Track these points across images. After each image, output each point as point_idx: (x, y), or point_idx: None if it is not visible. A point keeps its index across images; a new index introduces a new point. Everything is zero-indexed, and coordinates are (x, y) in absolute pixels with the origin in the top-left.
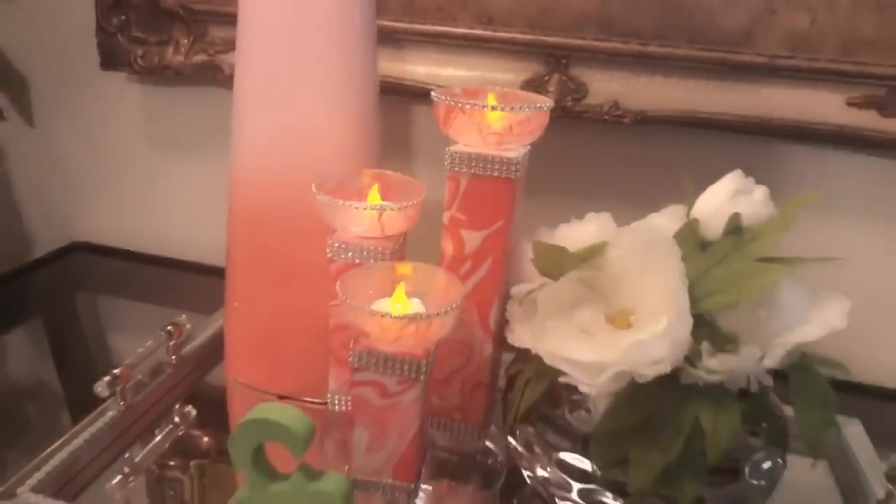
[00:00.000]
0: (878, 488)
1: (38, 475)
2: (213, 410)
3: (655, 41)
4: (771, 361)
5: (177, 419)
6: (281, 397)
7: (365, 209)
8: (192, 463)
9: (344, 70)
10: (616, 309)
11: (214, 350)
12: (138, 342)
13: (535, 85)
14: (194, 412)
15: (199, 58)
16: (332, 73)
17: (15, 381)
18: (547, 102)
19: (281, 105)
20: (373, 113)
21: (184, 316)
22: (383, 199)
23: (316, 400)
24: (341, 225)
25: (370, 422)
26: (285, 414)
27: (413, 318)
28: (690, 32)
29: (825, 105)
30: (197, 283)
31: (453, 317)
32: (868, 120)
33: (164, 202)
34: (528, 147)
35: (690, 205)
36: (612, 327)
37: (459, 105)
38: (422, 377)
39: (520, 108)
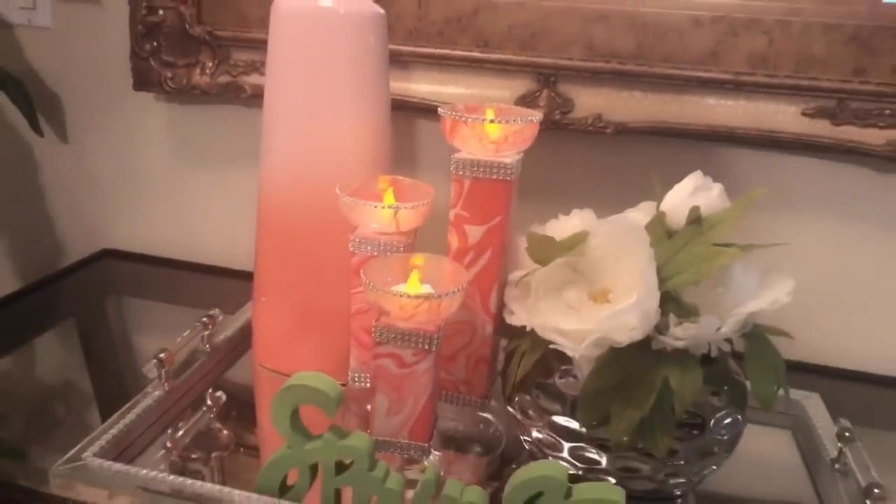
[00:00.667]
0: (832, 449)
1: (99, 443)
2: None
3: (633, 61)
4: (727, 329)
5: (209, 402)
6: None
7: (383, 208)
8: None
9: (360, 89)
10: (597, 288)
11: (242, 340)
12: (163, 340)
13: (527, 100)
14: (224, 397)
15: (223, 79)
16: (351, 92)
17: (49, 378)
18: (536, 115)
19: (305, 121)
20: (385, 126)
21: (217, 309)
22: (397, 200)
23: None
24: (362, 223)
25: (389, 389)
26: (319, 380)
27: (426, 298)
28: (663, 53)
29: (783, 116)
30: (217, 285)
31: (459, 297)
32: (821, 128)
33: (187, 211)
34: (521, 154)
35: (659, 201)
36: (594, 303)
37: (463, 119)
38: (433, 348)
39: (513, 120)
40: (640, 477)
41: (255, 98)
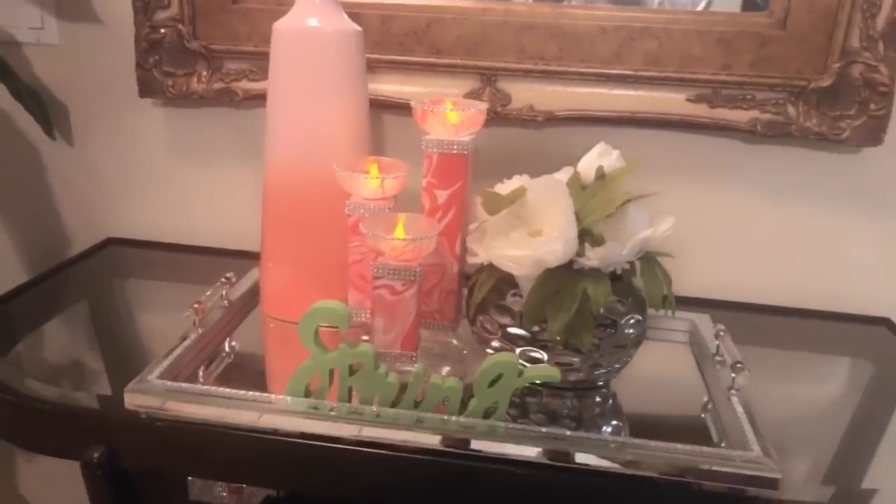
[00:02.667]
0: (713, 347)
1: (158, 370)
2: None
3: (556, 62)
4: (627, 252)
5: (227, 349)
6: None
7: (372, 178)
8: None
9: (345, 90)
10: (534, 229)
11: (251, 298)
12: (164, 317)
13: (473, 96)
14: (238, 346)
15: (218, 85)
16: (337, 92)
17: (64, 354)
18: (483, 106)
19: (302, 116)
20: (365, 119)
21: (232, 273)
22: (380, 173)
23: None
24: (355, 191)
25: (385, 312)
26: (332, 304)
27: (412, 240)
28: (579, 55)
29: (672, 102)
30: (212, 263)
31: (433, 241)
32: (701, 111)
33: (184, 200)
34: (474, 134)
35: (576, 166)
36: (532, 239)
37: (431, 109)
38: (416, 279)
39: (467, 109)
40: (572, 369)
41: (246, 101)
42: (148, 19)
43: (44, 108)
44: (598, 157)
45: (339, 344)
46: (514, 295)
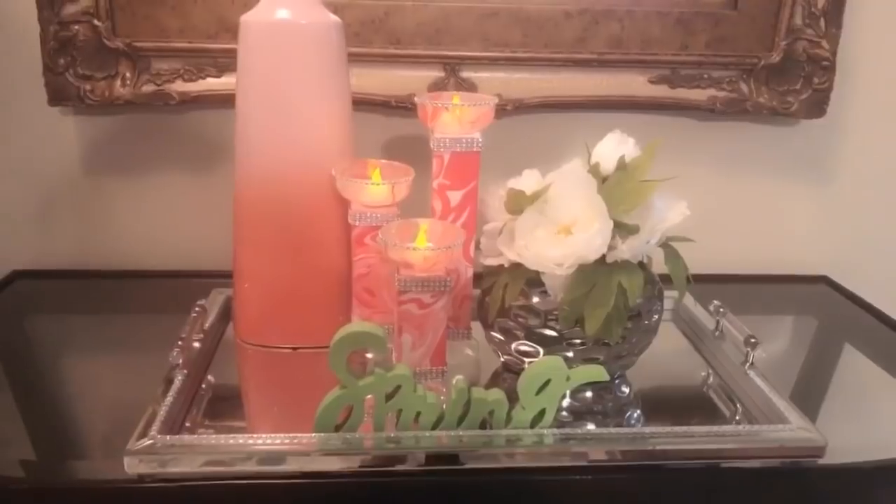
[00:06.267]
0: (709, 324)
1: (156, 422)
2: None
3: (521, 48)
4: (655, 241)
5: (204, 385)
6: (294, 349)
7: (382, 185)
8: None
9: (325, 87)
10: (562, 225)
11: (220, 322)
12: (87, 354)
13: (438, 87)
14: (221, 379)
15: (148, 88)
16: (317, 90)
17: None
18: (493, 99)
19: (277, 120)
20: (349, 118)
21: (204, 300)
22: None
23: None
24: (356, 199)
25: (413, 328)
26: (366, 326)
27: (443, 249)
28: (544, 40)
29: (635, 84)
30: (143, 288)
31: (461, 248)
32: (662, 91)
33: (106, 221)
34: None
35: (588, 155)
36: (564, 236)
37: (444, 106)
38: (448, 289)
39: (483, 104)
40: (598, 363)
41: (183, 104)
42: (55, 14)
43: None
44: (615, 146)
45: (374, 369)
46: (542, 294)
